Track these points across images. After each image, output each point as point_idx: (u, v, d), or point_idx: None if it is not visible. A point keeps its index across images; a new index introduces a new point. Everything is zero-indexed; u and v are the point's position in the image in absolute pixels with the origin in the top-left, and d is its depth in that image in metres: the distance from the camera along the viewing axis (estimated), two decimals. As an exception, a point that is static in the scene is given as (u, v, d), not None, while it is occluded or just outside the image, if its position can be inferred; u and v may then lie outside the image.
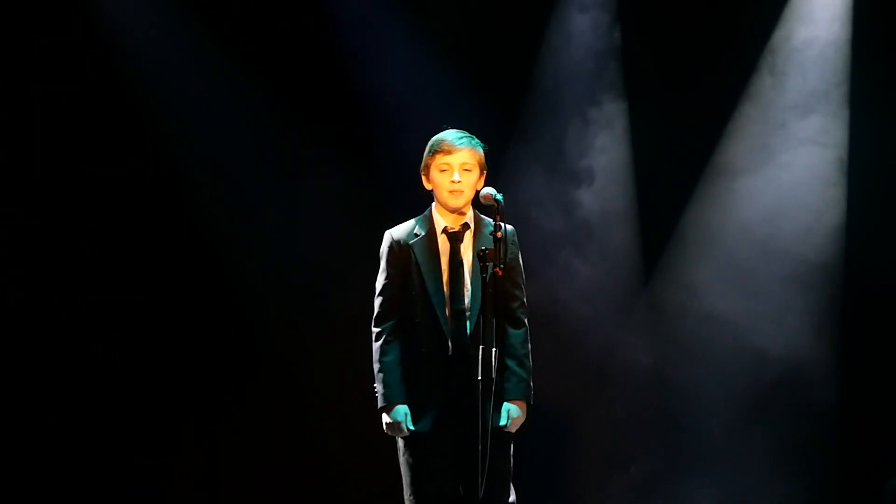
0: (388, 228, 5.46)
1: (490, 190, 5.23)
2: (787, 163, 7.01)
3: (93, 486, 6.96)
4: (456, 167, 5.34)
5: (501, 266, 5.14)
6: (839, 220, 6.98)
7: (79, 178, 6.99)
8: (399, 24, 7.06)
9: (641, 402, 7.05)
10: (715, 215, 7.07)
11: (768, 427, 6.95)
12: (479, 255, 5.14)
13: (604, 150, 7.07)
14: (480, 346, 5.12)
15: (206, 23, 7.03)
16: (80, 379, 6.97)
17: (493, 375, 5.11)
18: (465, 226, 5.39)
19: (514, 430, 5.38)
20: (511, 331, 5.39)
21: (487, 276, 5.12)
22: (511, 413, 5.35)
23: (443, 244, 5.39)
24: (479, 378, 5.10)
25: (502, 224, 5.16)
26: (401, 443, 5.40)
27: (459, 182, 5.33)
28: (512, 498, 5.41)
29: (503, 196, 5.20)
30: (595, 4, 7.09)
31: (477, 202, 5.35)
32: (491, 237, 5.24)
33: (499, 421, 5.32)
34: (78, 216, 6.99)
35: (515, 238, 5.45)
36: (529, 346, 5.44)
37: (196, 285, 7.08)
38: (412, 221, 5.46)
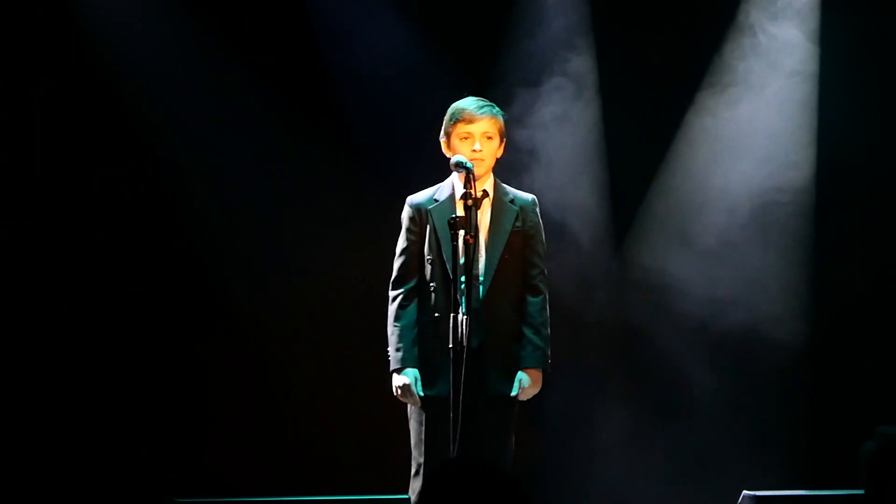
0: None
1: (459, 158, 5.25)
2: (760, 118, 7.00)
3: (65, 464, 6.95)
4: (477, 136, 5.39)
5: (472, 234, 5.14)
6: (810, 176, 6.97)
7: (57, 168, 6.95)
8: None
9: (612, 365, 7.05)
10: (687, 175, 7.06)
11: (741, 387, 6.97)
12: (449, 224, 5.14)
13: (572, 118, 7.04)
14: (451, 314, 5.12)
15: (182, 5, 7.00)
16: (58, 360, 6.96)
17: (465, 344, 5.11)
18: (484, 193, 5.42)
19: (524, 399, 5.40)
20: (529, 298, 5.42)
21: (459, 245, 5.11)
22: (522, 382, 5.39)
23: (461, 210, 5.36)
24: (451, 346, 5.11)
25: (471, 192, 5.19)
26: (412, 406, 5.42)
27: (481, 151, 5.38)
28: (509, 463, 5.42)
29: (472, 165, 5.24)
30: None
31: (496, 169, 5.42)
32: (510, 204, 5.39)
33: (509, 390, 5.35)
34: (56, 205, 6.95)
35: (536, 208, 5.51)
36: (547, 313, 5.46)
37: (176, 271, 7.07)
38: (433, 188, 5.52)
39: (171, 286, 7.05)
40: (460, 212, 5.32)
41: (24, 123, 6.93)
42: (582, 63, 7.03)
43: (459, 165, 5.25)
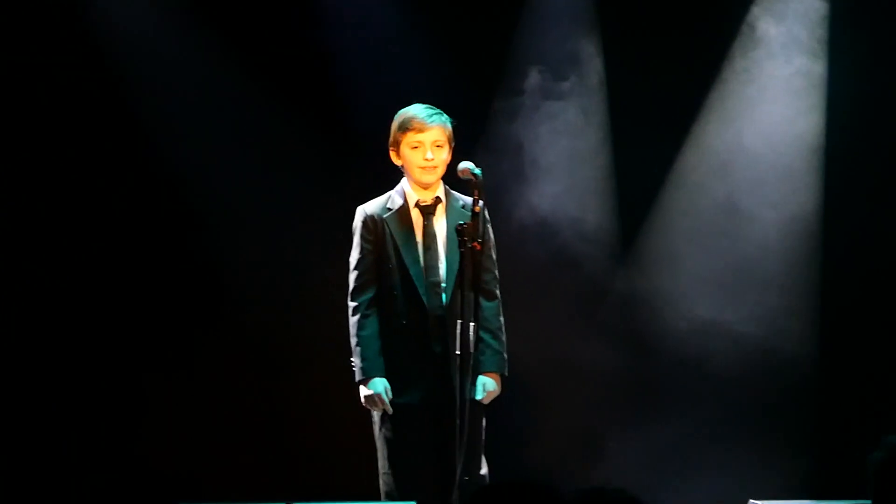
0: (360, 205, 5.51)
1: (468, 164, 5.30)
2: (768, 124, 6.99)
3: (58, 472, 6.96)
4: (428, 145, 5.44)
5: (480, 241, 5.16)
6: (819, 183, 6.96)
7: (63, 171, 6.94)
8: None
9: (615, 379, 7.04)
10: (692, 190, 7.05)
11: (746, 402, 6.95)
12: (457, 230, 5.17)
13: (577, 126, 7.05)
14: (458, 321, 5.15)
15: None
16: (59, 362, 6.96)
17: (472, 350, 5.14)
18: (437, 199, 5.48)
19: (486, 403, 5.43)
20: (484, 303, 5.43)
21: (466, 251, 5.13)
22: (486, 386, 5.43)
23: (416, 218, 5.46)
24: (458, 352, 5.14)
25: (482, 199, 5.20)
26: (376, 416, 5.45)
27: (433, 159, 5.40)
28: (484, 470, 5.46)
29: (481, 170, 5.25)
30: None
31: (447, 176, 5.41)
32: (462, 210, 5.39)
33: (474, 394, 5.36)
34: (58, 207, 6.95)
35: (486, 213, 5.48)
36: (502, 318, 5.47)
37: (179, 274, 7.06)
38: (384, 196, 5.54)
39: (174, 289, 7.04)
40: (416, 219, 5.44)
41: (34, 128, 6.93)
42: (588, 70, 7.03)
43: (468, 172, 5.26)
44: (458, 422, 5.12)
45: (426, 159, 5.40)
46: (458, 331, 5.16)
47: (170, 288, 7.03)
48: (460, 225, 5.17)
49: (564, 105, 7.03)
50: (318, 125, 7.02)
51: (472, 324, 5.17)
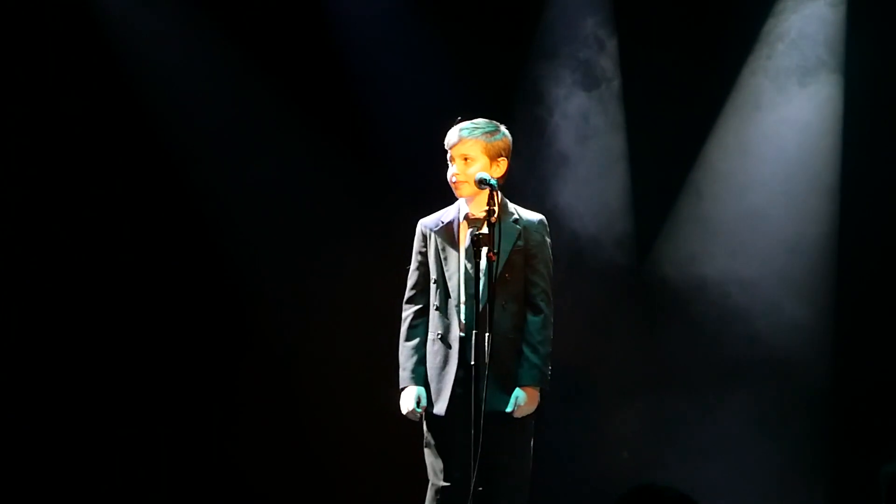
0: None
1: (483, 175, 5.28)
2: (787, 126, 6.99)
3: (84, 481, 6.98)
4: (456, 159, 5.41)
5: (495, 251, 5.15)
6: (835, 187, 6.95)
7: (85, 179, 7.03)
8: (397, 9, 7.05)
9: (631, 374, 7.04)
10: (713, 186, 7.06)
11: (758, 403, 6.94)
12: (473, 240, 5.16)
13: (598, 129, 7.06)
14: (474, 332, 5.16)
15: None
16: (68, 369, 7.00)
17: (487, 360, 5.13)
18: (490, 212, 5.36)
19: (519, 416, 5.39)
20: (529, 317, 5.44)
21: (481, 261, 5.14)
22: (518, 400, 5.39)
23: (464, 231, 5.47)
24: (472, 363, 5.15)
25: (496, 209, 5.17)
26: (424, 423, 5.51)
27: (457, 174, 5.42)
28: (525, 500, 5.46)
29: (496, 182, 5.25)
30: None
31: (502, 188, 5.39)
32: (513, 224, 5.41)
33: (505, 406, 5.35)
34: (82, 216, 7.03)
35: (543, 228, 5.51)
36: (548, 332, 5.47)
37: (193, 275, 7.12)
38: (442, 210, 5.58)
39: (197, 300, 7.10)
40: (464, 233, 5.44)
41: (51, 135, 6.98)
42: (609, 73, 7.06)
43: (483, 182, 5.27)
44: (472, 432, 5.12)
45: (452, 174, 5.43)
46: (474, 342, 5.17)
47: (197, 298, 7.09)
48: (476, 235, 5.17)
49: (583, 110, 7.05)
50: (350, 129, 7.07)
51: (487, 335, 5.17)
